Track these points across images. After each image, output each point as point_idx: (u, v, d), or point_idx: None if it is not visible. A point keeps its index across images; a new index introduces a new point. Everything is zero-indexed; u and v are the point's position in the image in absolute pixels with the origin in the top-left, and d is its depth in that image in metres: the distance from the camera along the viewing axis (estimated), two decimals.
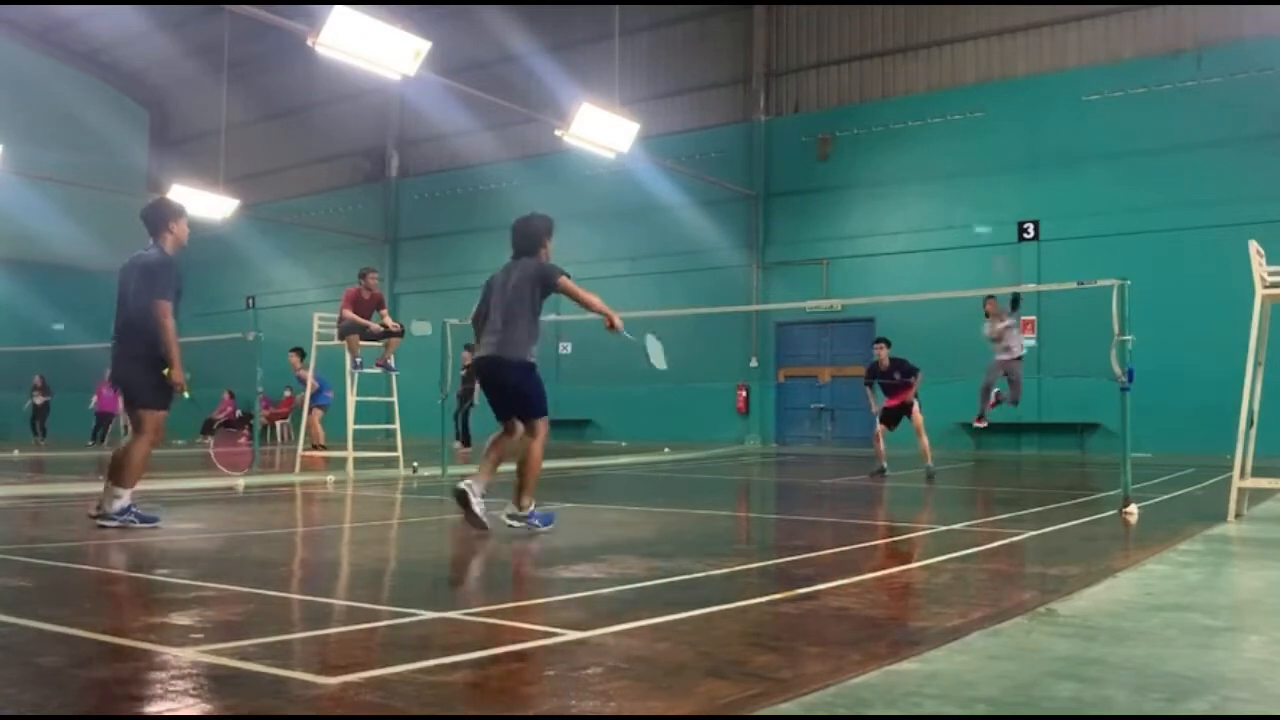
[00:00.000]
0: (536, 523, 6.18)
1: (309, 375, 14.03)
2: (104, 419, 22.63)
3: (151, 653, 3.15)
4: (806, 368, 21.42)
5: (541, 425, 6.30)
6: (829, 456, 17.16)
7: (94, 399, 22.76)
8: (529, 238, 6.44)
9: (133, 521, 6.32)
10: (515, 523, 6.16)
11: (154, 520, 6.45)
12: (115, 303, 6.61)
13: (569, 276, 6.35)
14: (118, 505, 6.32)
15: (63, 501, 8.58)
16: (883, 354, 12.19)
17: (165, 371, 6.40)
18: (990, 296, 12.53)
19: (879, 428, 12.37)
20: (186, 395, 6.58)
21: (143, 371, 6.43)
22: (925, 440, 12.01)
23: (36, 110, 27.09)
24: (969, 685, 2.76)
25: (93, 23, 27.86)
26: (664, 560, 5.22)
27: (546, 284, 6.30)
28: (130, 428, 6.68)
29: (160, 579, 4.70)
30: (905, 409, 12.15)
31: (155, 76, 31.57)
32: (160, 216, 6.63)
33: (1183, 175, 17.18)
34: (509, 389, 6.32)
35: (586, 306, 6.39)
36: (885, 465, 12.11)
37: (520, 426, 6.39)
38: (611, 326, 6.43)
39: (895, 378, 12.16)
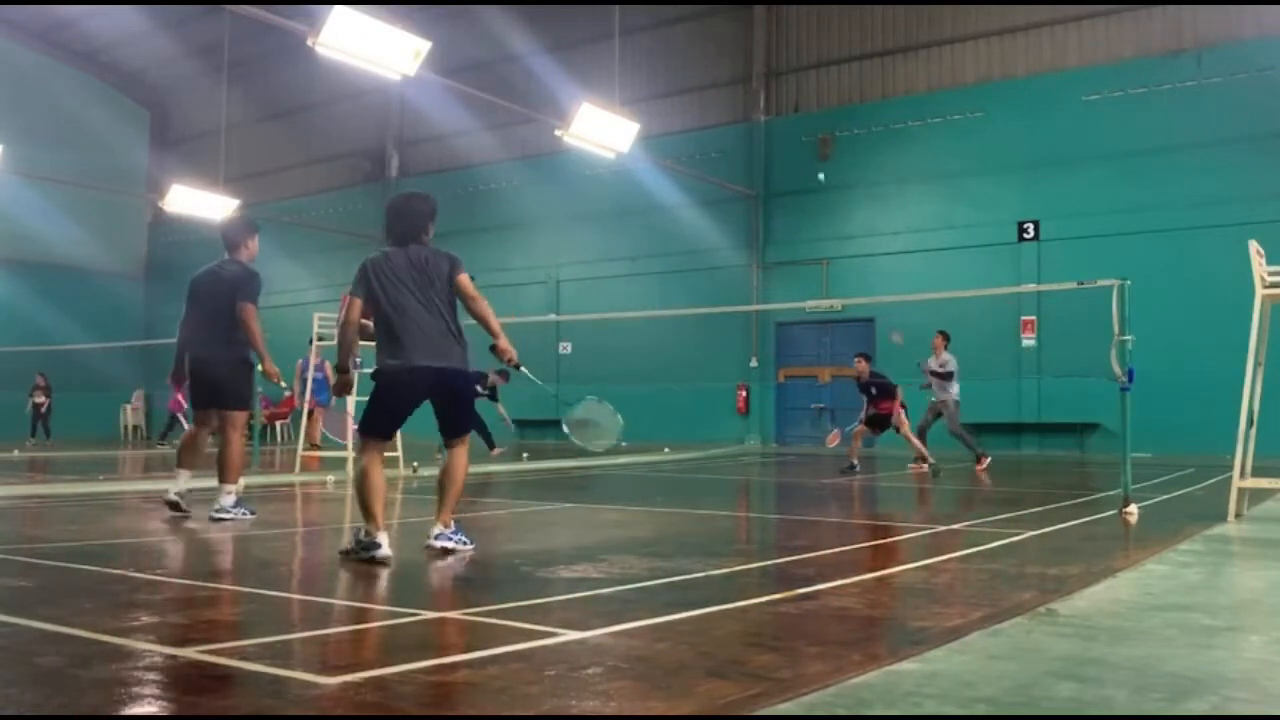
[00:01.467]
0: (464, 540, 5.44)
1: (327, 366, 14.10)
2: (174, 419, 22.63)
3: (151, 653, 3.15)
4: (806, 368, 21.42)
5: (467, 440, 5.60)
6: (829, 456, 17.12)
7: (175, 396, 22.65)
8: (411, 218, 5.43)
9: (244, 514, 6.94)
10: (448, 544, 5.35)
11: (253, 511, 7.15)
12: (192, 312, 7.11)
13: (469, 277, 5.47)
14: (228, 500, 6.95)
15: (63, 501, 8.58)
16: (861, 366, 12.85)
17: (259, 367, 7.23)
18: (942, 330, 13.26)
19: (860, 427, 12.86)
20: (283, 385, 7.68)
21: (233, 376, 7.10)
22: (916, 443, 12.49)
23: (36, 110, 27.10)
24: (969, 685, 2.76)
25: (93, 23, 27.84)
26: (664, 560, 5.22)
27: (452, 275, 5.34)
28: (219, 427, 7.22)
29: (160, 579, 4.70)
30: (890, 419, 12.71)
31: (155, 76, 31.55)
32: (240, 233, 7.29)
33: (1183, 175, 17.16)
34: (462, 401, 5.63)
35: (480, 318, 5.41)
36: (855, 463, 12.55)
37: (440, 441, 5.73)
38: (509, 358, 5.51)
39: (872, 392, 12.68)
